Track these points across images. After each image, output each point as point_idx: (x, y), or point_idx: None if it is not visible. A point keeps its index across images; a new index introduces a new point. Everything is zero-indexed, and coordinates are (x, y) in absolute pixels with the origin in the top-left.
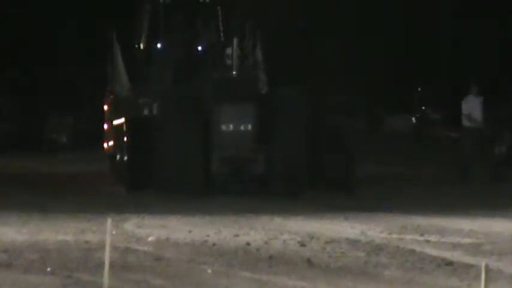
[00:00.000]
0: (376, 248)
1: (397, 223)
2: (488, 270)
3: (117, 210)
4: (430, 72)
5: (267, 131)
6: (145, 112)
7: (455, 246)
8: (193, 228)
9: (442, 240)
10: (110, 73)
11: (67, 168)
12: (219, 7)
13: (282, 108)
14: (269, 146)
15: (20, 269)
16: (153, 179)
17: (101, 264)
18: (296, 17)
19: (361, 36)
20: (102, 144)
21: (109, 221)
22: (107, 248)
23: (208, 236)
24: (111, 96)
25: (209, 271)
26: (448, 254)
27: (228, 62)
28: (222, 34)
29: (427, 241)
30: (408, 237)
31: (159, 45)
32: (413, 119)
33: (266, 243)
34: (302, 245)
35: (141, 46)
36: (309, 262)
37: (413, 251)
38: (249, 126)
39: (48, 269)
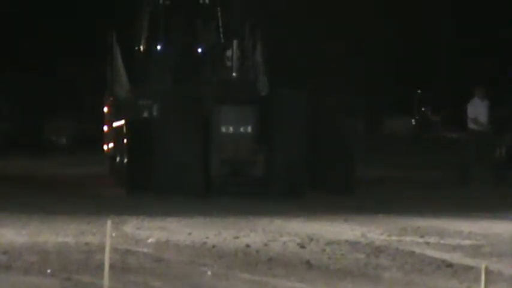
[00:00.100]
0: (376, 250)
1: (397, 225)
2: (488, 272)
3: (117, 212)
4: (430, 73)
5: (267, 132)
6: (145, 114)
7: (455, 248)
8: (193, 230)
9: (442, 242)
10: (109, 74)
11: (67, 170)
12: (219, 8)
13: (281, 109)
14: (269, 147)
15: (20, 270)
16: (153, 181)
17: (100, 266)
18: (296, 18)
19: (361, 36)
20: (102, 146)
21: (109, 222)
22: (107, 249)
23: (208, 237)
24: (111, 98)
25: (209, 273)
26: (447, 256)
27: (228, 63)
28: (222, 35)
29: (427, 243)
30: (408, 239)
31: (159, 47)
32: (413, 120)
33: (266, 245)
34: (302, 246)
35: (141, 47)
36: (309, 264)
37: (413, 253)
38: (249, 128)
39: (48, 271)
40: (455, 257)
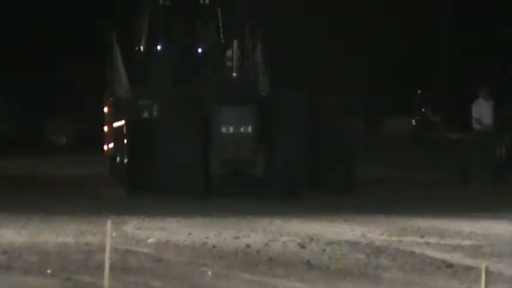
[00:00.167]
0: (376, 250)
1: (397, 225)
2: (488, 272)
3: (117, 212)
4: (430, 73)
5: (267, 132)
6: (146, 114)
7: (455, 248)
8: (193, 230)
9: (442, 242)
10: (109, 74)
11: (67, 170)
12: (219, 8)
13: (281, 109)
14: (269, 147)
15: (20, 271)
16: (153, 181)
17: (101, 266)
18: (296, 18)
19: (361, 36)
20: (102, 146)
21: (109, 223)
22: (107, 250)
23: (208, 238)
24: (111, 98)
25: (209, 273)
26: (448, 256)
27: (228, 63)
28: (222, 36)
29: (427, 243)
30: (408, 239)
31: (159, 47)
32: (413, 121)
33: (266, 245)
34: (302, 246)
35: (141, 47)
36: (309, 264)
37: (413, 253)
38: (249, 128)
39: (48, 271)
40: (456, 257)
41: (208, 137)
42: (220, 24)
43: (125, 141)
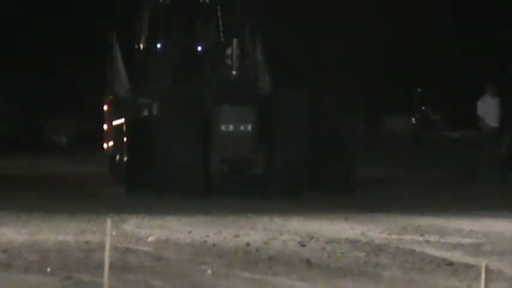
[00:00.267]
0: (376, 249)
1: (397, 223)
2: (488, 270)
3: (116, 211)
4: (430, 73)
5: (267, 131)
6: (145, 112)
7: (455, 247)
8: (193, 229)
9: (442, 240)
10: (109, 74)
11: (67, 169)
12: (219, 7)
13: (281, 109)
14: (269, 147)
15: (20, 269)
16: (152, 179)
17: (100, 265)
18: (296, 18)
19: (361, 36)
20: (102, 144)
21: (109, 221)
22: (107, 248)
23: (208, 236)
24: (111, 97)
25: (209, 271)
26: (448, 255)
27: (228, 62)
28: (222, 35)
29: (427, 241)
30: (408, 237)
31: (159, 46)
32: (413, 119)
33: (266, 243)
34: (302, 245)
35: (141, 46)
36: (309, 262)
37: (413, 252)
38: (249, 127)
39: (48, 270)
40: (456, 256)
41: (208, 136)
42: (220, 24)
43: (125, 139)
